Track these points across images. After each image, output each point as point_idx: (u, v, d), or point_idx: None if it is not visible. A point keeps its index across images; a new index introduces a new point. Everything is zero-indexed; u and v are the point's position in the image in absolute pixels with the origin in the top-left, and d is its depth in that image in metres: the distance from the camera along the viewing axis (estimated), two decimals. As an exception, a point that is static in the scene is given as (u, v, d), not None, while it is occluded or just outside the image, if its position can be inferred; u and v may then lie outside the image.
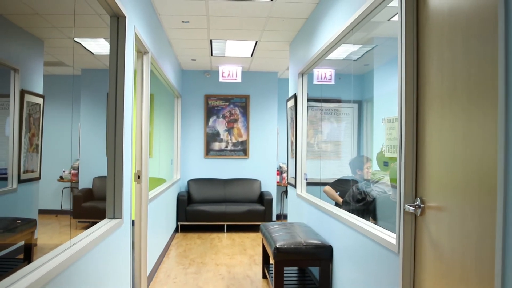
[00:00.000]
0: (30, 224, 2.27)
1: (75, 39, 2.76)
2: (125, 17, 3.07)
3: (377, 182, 3.78)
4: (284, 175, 8.14)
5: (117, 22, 3.06)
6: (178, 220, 7.21)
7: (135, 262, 4.06)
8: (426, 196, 2.13)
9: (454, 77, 1.89)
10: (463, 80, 1.81)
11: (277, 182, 8.18)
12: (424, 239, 2.14)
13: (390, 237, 2.46)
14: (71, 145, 2.82)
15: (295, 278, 4.18)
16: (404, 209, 2.21)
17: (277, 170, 8.28)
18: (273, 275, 3.65)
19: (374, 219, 3.42)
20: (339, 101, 5.78)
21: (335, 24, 3.69)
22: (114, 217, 3.03)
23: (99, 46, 3.53)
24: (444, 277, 1.94)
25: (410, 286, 2.22)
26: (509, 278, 1.42)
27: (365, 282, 2.86)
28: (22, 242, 2.15)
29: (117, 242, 3.03)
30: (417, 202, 2.16)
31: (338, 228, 3.50)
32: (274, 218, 7.65)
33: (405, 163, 2.24)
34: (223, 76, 7.33)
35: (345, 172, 4.88)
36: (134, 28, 3.37)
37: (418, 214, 2.17)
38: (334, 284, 3.60)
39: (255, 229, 7.25)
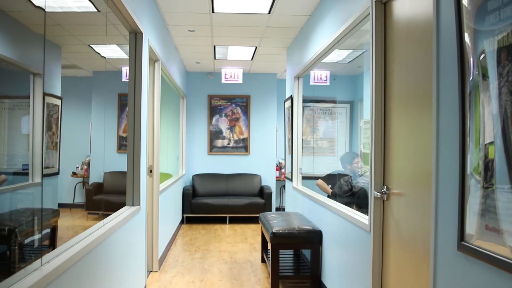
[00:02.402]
0: (54, 213, 2.73)
1: (90, 45, 3.19)
2: (142, 33, 3.57)
3: (362, 175, 4.28)
4: (283, 170, 8.63)
5: (135, 37, 3.56)
6: (183, 212, 7.73)
7: (148, 247, 4.58)
8: (391, 184, 2.63)
9: (409, 89, 2.39)
10: (415, 91, 2.32)
11: (277, 177, 8.69)
12: (389, 219, 2.64)
13: (364, 219, 2.96)
14: (84, 143, 3.23)
15: (290, 260, 4.70)
16: (374, 195, 2.72)
17: (277, 166, 8.78)
18: (270, 257, 4.16)
19: (358, 207, 3.92)
20: (333, 101, 6.26)
21: (325, 35, 4.17)
22: (133, 204, 3.53)
23: (111, 51, 4.00)
24: (402, 247, 2.45)
25: (379, 257, 2.72)
26: (439, 246, 1.92)
27: (347, 259, 3.37)
28: (48, 230, 2.57)
29: (136, 225, 3.54)
30: (384, 189, 2.66)
31: (327, 215, 4.00)
32: (273, 210, 8.15)
33: (375, 157, 2.74)
34: (225, 78, 7.83)
35: (339, 167, 5.38)
36: (148, 41, 3.87)
37: (385, 199, 2.67)
38: (323, 264, 4.11)
39: (255, 220, 7.75)
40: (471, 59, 1.67)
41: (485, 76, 1.59)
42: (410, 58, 2.40)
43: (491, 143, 1.56)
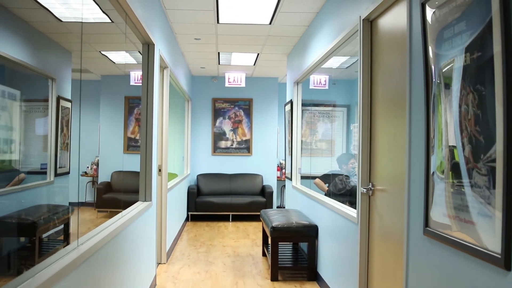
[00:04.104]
0: (68, 209, 3.03)
1: (101, 51, 3.48)
2: (154, 44, 3.93)
3: (356, 174, 4.63)
4: (284, 170, 8.98)
5: (148, 48, 3.92)
6: (188, 210, 8.09)
7: (157, 241, 4.93)
8: (376, 182, 2.98)
9: (389, 97, 2.75)
10: (394, 98, 2.67)
11: (278, 177, 9.04)
12: (374, 212, 2.99)
13: (353, 213, 3.31)
14: (93, 144, 3.51)
15: (289, 253, 5.05)
16: (361, 191, 3.07)
17: (278, 166, 9.13)
18: (270, 250, 4.52)
19: (350, 203, 4.26)
20: (331, 105, 6.61)
21: (321, 45, 4.52)
22: (145, 200, 3.89)
23: (121, 57, 4.32)
24: (384, 236, 2.80)
25: (366, 246, 3.07)
26: (411, 232, 2.26)
27: (339, 250, 3.72)
28: (62, 226, 2.67)
29: (148, 219, 3.90)
30: (369, 186, 3.02)
31: (322, 211, 4.35)
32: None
33: (362, 157, 3.09)
34: (228, 82, 8.19)
35: (335, 167, 5.73)
36: (159, 51, 4.23)
37: (370, 195, 3.03)
38: (319, 255, 4.46)
39: (257, 218, 8.10)
40: (433, 73, 2.02)
41: (447, 85, 1.94)
42: (391, 69, 2.75)
43: (454, 146, 1.90)
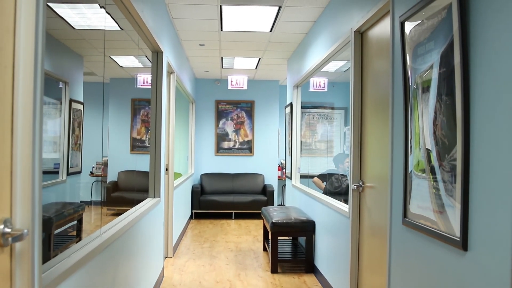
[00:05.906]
0: (82, 206, 3.30)
1: (111, 56, 3.76)
2: (163, 52, 4.24)
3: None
4: (285, 170, 9.28)
5: (157, 56, 4.23)
6: (192, 208, 8.40)
7: (164, 236, 5.23)
8: (365, 179, 3.28)
9: (377, 101, 3.05)
10: (380, 103, 2.97)
11: (278, 177, 9.35)
12: (363, 207, 3.29)
13: (346, 208, 3.61)
14: (102, 144, 3.76)
15: (288, 247, 5.35)
16: (352, 188, 3.37)
17: (279, 166, 9.44)
18: (270, 244, 4.82)
19: (345, 200, 4.56)
20: (330, 107, 6.90)
21: (318, 52, 4.82)
22: (154, 197, 4.20)
23: (128, 61, 4.60)
24: (372, 228, 3.10)
25: (356, 238, 3.37)
26: (393, 223, 2.56)
27: (334, 243, 4.02)
28: (75, 222, 2.89)
29: (157, 214, 4.20)
30: (360, 183, 3.32)
31: (319, 208, 4.65)
32: (275, 207, 8.81)
33: (353, 157, 3.39)
34: (231, 84, 8.50)
35: (332, 166, 6.03)
36: (166, 58, 4.53)
37: (361, 191, 3.33)
38: (316, 249, 4.76)
39: (258, 216, 8.40)
40: (410, 82, 2.32)
41: (424, 90, 2.23)
42: (378, 76, 3.05)
43: (430, 150, 2.19)
